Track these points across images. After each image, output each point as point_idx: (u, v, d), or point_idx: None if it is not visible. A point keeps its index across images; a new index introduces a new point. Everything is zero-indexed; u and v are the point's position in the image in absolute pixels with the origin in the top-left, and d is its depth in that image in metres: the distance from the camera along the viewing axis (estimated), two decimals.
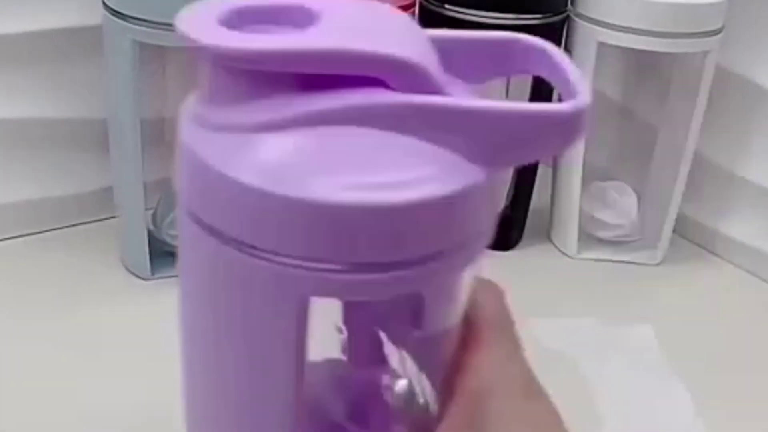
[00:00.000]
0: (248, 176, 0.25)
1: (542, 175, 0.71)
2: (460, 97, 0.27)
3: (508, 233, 0.72)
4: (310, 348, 0.28)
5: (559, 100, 0.30)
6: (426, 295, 0.28)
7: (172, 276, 0.62)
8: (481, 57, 0.30)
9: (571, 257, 0.72)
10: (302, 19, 0.27)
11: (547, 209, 0.73)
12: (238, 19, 0.26)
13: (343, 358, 0.34)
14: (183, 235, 0.28)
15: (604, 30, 0.64)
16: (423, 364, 0.31)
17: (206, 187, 0.26)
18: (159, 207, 0.65)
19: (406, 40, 0.27)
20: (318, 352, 0.31)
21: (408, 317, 0.29)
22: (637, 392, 0.54)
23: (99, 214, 0.69)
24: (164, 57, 0.66)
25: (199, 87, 0.27)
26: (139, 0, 0.55)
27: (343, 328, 0.33)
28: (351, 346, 0.34)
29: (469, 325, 0.31)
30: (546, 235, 0.74)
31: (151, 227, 0.64)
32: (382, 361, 0.32)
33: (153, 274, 0.63)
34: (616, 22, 0.63)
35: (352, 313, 0.33)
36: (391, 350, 0.32)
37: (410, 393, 0.32)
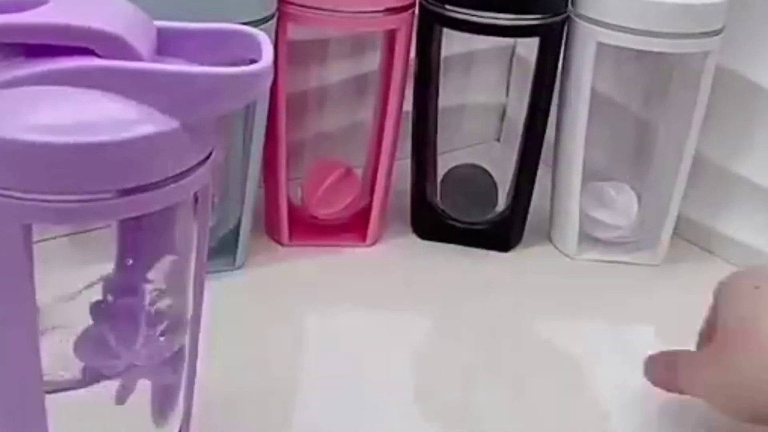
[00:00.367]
0: None
1: (542, 175, 0.71)
2: (155, 63, 0.35)
3: (508, 233, 0.72)
4: None
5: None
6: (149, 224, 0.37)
7: None
8: (205, 44, 0.38)
9: (570, 258, 0.71)
10: (35, 2, 0.34)
11: (547, 209, 0.73)
12: None
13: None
14: None
15: (604, 30, 0.64)
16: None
17: None
18: None
19: (118, 20, 0.35)
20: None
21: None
22: (639, 392, 0.54)
23: None
24: None
25: None
26: None
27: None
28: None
29: None
30: (546, 235, 0.74)
31: None
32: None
33: None
34: (616, 22, 0.63)
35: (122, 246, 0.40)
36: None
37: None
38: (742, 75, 0.70)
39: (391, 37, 0.65)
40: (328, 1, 0.60)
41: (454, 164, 0.73)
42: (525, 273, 0.69)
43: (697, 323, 0.52)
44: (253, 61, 0.36)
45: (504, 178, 0.71)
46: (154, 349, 0.40)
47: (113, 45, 0.34)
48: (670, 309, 0.65)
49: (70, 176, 0.32)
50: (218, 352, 0.47)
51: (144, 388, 0.42)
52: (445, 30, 0.66)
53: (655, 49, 0.64)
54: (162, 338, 0.40)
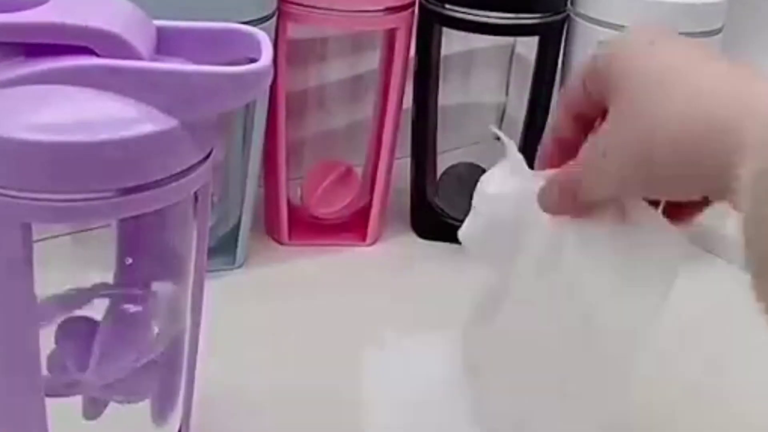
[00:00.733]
0: None
1: None
2: (154, 62, 0.35)
3: None
4: None
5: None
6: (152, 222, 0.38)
7: None
8: (205, 44, 0.38)
9: None
10: (35, 2, 0.34)
11: None
12: None
13: None
14: None
15: (604, 30, 0.64)
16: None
17: None
18: None
19: (118, 19, 0.34)
20: None
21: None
22: None
23: None
24: None
25: None
26: None
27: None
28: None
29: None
30: None
31: None
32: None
33: None
34: (616, 22, 0.63)
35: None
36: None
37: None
38: None
39: (390, 36, 0.65)
40: (327, 0, 0.60)
41: (451, 163, 0.73)
42: None
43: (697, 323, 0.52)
44: (252, 60, 0.35)
45: None
46: (108, 370, 0.39)
47: (112, 44, 0.34)
48: (670, 309, 0.65)
49: (69, 175, 0.32)
50: (218, 352, 0.47)
51: None
52: (445, 29, 0.66)
53: None
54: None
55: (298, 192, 0.69)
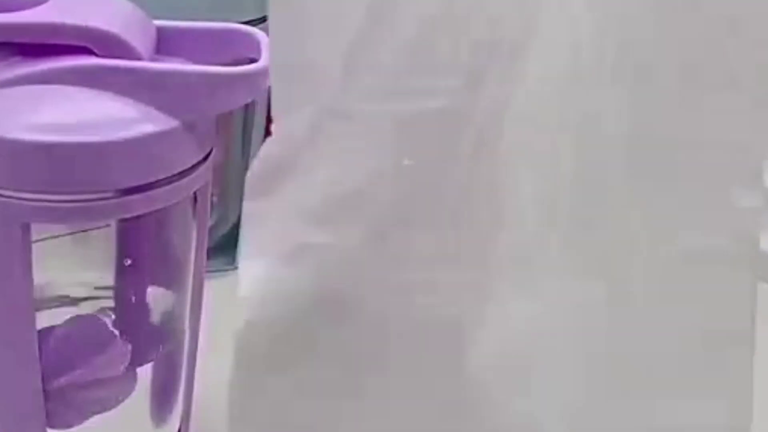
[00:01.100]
0: None
1: None
2: (154, 62, 0.35)
3: None
4: None
5: None
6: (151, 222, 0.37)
7: None
8: (204, 44, 0.37)
9: None
10: (34, 2, 0.34)
11: None
12: None
13: None
14: None
15: None
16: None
17: None
18: None
19: (117, 19, 0.34)
20: None
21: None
22: None
23: None
24: None
25: None
26: None
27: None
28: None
29: None
30: None
31: None
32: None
33: None
34: None
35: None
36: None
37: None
38: None
39: None
40: None
41: None
42: None
43: None
44: (252, 60, 0.35)
45: None
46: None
47: (111, 44, 0.34)
48: None
49: (69, 175, 0.32)
50: (218, 352, 0.47)
51: (144, 388, 0.42)
52: None
53: None
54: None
55: None
